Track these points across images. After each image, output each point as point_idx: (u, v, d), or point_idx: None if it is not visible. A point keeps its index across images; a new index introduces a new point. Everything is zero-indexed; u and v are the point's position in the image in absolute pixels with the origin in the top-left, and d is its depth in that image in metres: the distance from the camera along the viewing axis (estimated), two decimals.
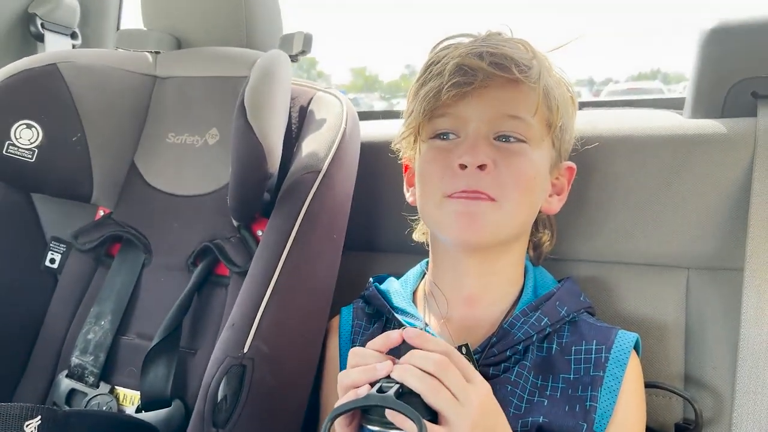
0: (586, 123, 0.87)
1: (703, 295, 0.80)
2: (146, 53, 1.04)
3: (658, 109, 0.96)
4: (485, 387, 0.57)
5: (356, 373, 0.57)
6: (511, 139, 0.69)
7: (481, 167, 0.67)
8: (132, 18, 1.39)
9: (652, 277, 0.83)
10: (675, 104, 0.97)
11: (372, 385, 0.55)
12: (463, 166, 0.67)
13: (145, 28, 1.04)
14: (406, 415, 0.51)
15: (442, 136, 0.71)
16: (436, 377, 0.54)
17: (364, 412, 0.55)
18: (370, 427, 0.54)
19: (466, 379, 0.55)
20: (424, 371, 0.54)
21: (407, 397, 0.53)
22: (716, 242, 0.80)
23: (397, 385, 0.54)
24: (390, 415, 0.52)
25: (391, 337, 0.58)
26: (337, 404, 0.55)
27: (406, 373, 0.54)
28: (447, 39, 0.74)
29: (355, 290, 0.87)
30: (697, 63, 0.85)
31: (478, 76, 0.67)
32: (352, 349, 0.60)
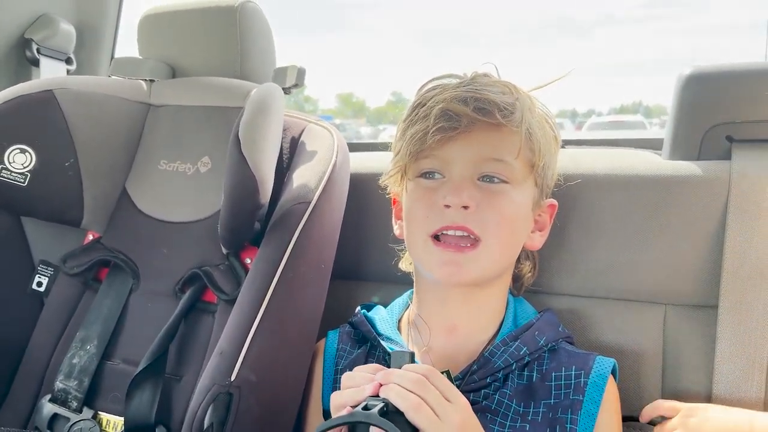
0: (569, 160, 0.90)
1: (680, 330, 0.83)
2: (141, 81, 1.06)
3: (638, 148, 1.00)
4: (466, 406, 0.59)
5: (347, 393, 0.60)
6: (495, 180, 0.72)
7: (465, 207, 0.70)
8: (127, 45, 1.40)
9: (630, 312, 0.85)
10: (654, 144, 1.00)
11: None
12: (448, 206, 0.70)
13: (140, 57, 1.06)
14: (382, 429, 0.53)
15: (427, 175, 0.74)
16: (418, 395, 0.56)
17: (351, 430, 0.57)
18: None
19: (447, 399, 0.58)
20: (407, 389, 0.57)
21: (392, 415, 0.56)
22: (693, 280, 0.83)
23: (382, 404, 0.56)
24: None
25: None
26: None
27: (390, 391, 0.57)
28: (433, 80, 0.77)
29: (341, 318, 0.88)
30: (675, 107, 0.89)
31: (462, 122, 0.69)
32: (345, 374, 0.63)
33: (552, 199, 0.81)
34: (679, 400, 0.80)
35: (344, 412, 0.57)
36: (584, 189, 0.87)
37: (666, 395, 0.81)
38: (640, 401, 0.82)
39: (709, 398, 0.77)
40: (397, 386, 0.57)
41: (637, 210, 0.85)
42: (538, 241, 0.80)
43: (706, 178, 0.83)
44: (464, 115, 0.69)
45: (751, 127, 0.85)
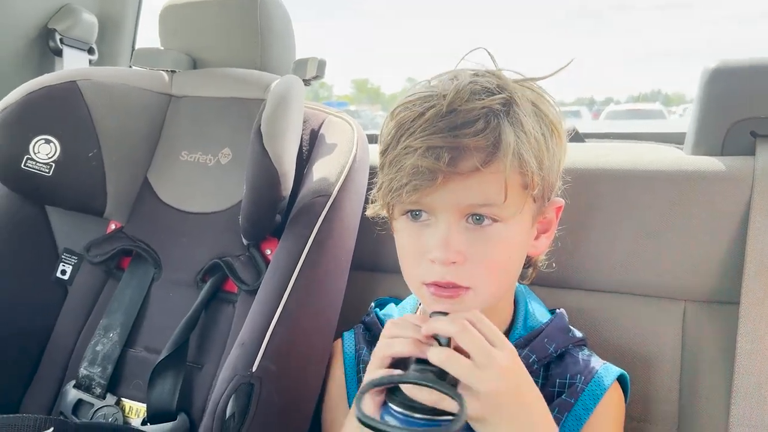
0: (589, 154, 0.90)
1: (699, 327, 0.82)
2: (162, 72, 1.06)
3: (660, 142, 0.99)
4: (513, 353, 0.57)
5: (400, 344, 0.57)
6: (484, 221, 0.64)
7: (453, 261, 0.64)
8: (147, 36, 1.41)
9: (649, 308, 0.85)
10: (676, 139, 0.99)
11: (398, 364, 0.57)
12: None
13: (161, 48, 1.07)
14: (448, 395, 0.51)
15: (413, 213, 0.67)
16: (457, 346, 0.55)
17: (389, 390, 0.56)
18: (393, 407, 0.54)
19: (491, 343, 0.56)
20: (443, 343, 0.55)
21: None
22: (713, 276, 0.82)
23: (432, 368, 0.54)
24: (414, 392, 0.53)
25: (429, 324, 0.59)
26: (369, 375, 0.57)
27: (429, 352, 0.55)
28: (407, 101, 0.66)
29: (359, 310, 0.89)
30: (699, 101, 0.88)
31: (437, 177, 0.61)
32: (391, 321, 0.61)
33: (558, 199, 0.73)
34: (698, 397, 0.80)
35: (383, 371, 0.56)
36: (604, 183, 0.87)
37: (684, 393, 0.81)
38: (658, 397, 0.82)
39: (728, 395, 0.76)
40: (436, 346, 0.55)
41: (659, 205, 0.84)
42: (543, 245, 0.73)
43: (729, 174, 0.82)
44: (438, 171, 0.61)
45: None
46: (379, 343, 0.60)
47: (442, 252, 0.63)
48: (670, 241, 0.84)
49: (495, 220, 0.64)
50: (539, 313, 0.77)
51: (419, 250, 0.66)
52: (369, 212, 0.77)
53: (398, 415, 0.53)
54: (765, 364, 0.75)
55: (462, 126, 0.61)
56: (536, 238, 0.72)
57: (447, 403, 0.53)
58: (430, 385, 0.52)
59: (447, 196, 0.63)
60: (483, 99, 0.62)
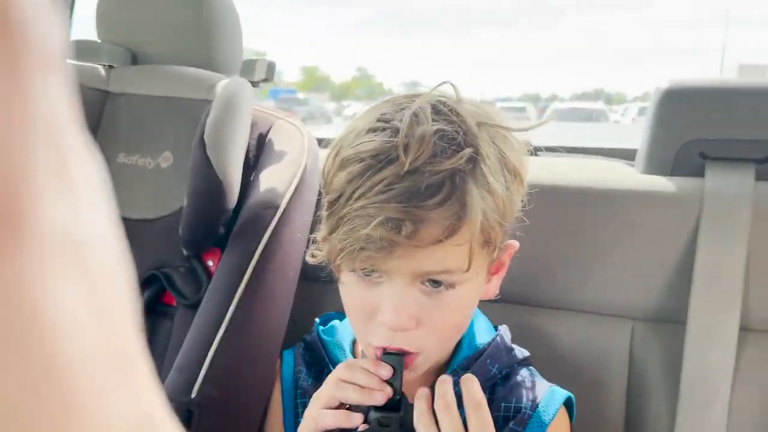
0: (543, 170, 0.89)
1: (647, 346, 0.83)
2: (99, 66, 0.99)
3: (611, 158, 0.99)
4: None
5: (351, 391, 0.58)
6: (440, 286, 0.60)
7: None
8: (84, 27, 1.32)
9: (598, 326, 0.85)
10: (625, 155, 1.00)
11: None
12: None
13: (98, 40, 1.00)
14: None
15: (363, 272, 0.61)
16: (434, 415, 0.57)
17: None
18: None
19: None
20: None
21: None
22: (662, 296, 0.83)
23: (397, 415, 0.57)
24: None
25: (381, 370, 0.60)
26: (315, 414, 0.59)
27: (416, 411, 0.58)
28: (359, 150, 0.58)
29: (308, 322, 0.85)
30: (651, 120, 0.88)
31: (396, 249, 0.56)
32: (345, 362, 0.62)
33: (513, 242, 0.68)
34: (644, 416, 0.81)
35: (355, 417, 0.58)
36: (557, 199, 0.86)
37: (630, 411, 0.82)
38: (605, 416, 0.82)
39: (674, 414, 0.77)
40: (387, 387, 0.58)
41: (609, 222, 0.84)
42: (494, 287, 0.69)
43: (679, 194, 0.83)
44: (397, 244, 0.55)
45: (725, 145, 0.84)
46: (329, 383, 0.59)
47: (394, 317, 0.58)
48: (620, 259, 0.84)
49: (452, 286, 0.60)
50: (484, 332, 0.74)
51: (369, 308, 0.61)
52: (311, 260, 0.69)
53: None
54: (709, 386, 0.76)
55: (425, 193, 0.55)
56: (488, 281, 0.67)
57: None
58: None
59: (404, 264, 0.58)
60: (449, 157, 0.56)
